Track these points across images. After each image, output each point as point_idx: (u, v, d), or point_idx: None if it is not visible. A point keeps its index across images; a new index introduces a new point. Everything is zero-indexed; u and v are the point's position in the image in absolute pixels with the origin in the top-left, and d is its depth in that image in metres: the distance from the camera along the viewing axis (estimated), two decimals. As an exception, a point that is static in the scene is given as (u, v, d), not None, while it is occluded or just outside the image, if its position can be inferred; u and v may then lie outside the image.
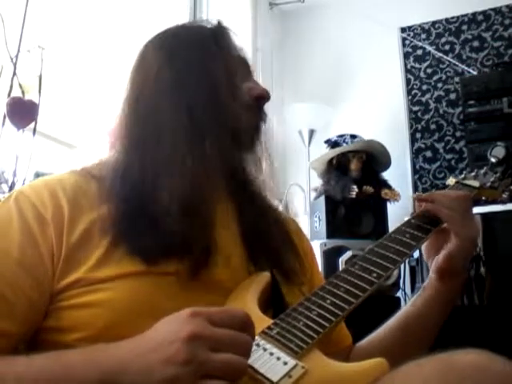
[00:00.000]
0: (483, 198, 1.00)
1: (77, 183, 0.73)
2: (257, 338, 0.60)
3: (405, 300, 2.34)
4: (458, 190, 0.94)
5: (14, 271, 0.64)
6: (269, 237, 0.79)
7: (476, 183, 0.96)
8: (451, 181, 0.98)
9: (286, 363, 0.57)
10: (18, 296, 0.63)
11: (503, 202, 1.00)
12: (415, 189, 2.90)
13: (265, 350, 0.59)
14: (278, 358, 0.58)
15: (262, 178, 0.86)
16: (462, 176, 1.00)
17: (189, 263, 0.67)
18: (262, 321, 0.65)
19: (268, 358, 0.58)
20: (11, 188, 1.30)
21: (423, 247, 0.86)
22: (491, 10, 2.88)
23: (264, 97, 0.85)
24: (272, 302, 0.72)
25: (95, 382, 0.51)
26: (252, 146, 0.83)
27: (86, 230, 0.68)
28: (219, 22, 0.89)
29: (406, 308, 0.87)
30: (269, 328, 0.63)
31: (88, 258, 0.66)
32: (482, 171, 1.01)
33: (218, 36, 0.85)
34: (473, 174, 1.00)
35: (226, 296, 0.70)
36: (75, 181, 0.74)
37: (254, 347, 0.56)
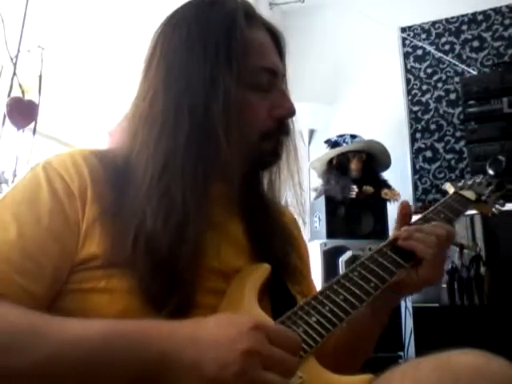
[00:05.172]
0: (477, 211, 1.00)
1: (99, 164, 0.71)
2: None
3: (405, 301, 2.34)
4: (455, 201, 0.92)
5: (43, 236, 0.64)
6: (275, 247, 0.78)
7: (472, 195, 0.96)
8: (449, 187, 0.98)
9: None
10: (48, 260, 0.64)
11: (494, 216, 0.99)
12: (415, 189, 2.91)
13: None
14: None
15: (278, 186, 0.85)
16: (460, 184, 0.99)
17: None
18: (261, 318, 0.64)
19: None
20: (11, 188, 1.30)
21: None
22: (491, 9, 2.88)
23: (286, 118, 0.79)
24: (273, 295, 0.72)
25: (139, 363, 0.52)
26: (267, 166, 0.81)
27: (104, 210, 0.67)
28: (246, 7, 0.78)
29: None
30: None
31: (103, 237, 0.65)
32: (478, 180, 1.01)
33: (234, 34, 0.74)
34: (470, 182, 1.00)
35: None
36: (94, 162, 0.72)
37: None
